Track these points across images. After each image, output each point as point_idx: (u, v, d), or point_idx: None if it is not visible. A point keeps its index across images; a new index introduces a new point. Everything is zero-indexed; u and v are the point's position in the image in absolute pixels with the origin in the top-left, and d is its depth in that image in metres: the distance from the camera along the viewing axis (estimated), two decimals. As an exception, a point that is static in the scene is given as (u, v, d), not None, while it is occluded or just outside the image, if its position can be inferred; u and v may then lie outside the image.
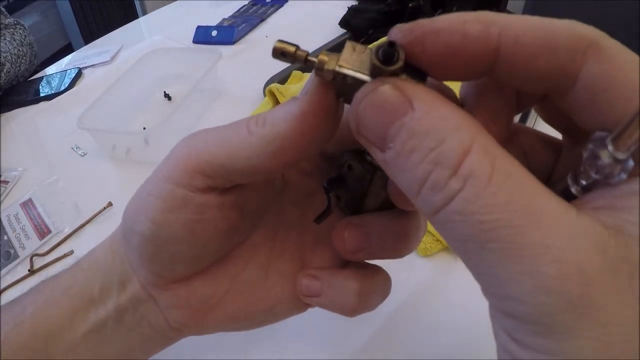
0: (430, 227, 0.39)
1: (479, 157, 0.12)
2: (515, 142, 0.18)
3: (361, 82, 0.14)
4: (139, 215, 0.20)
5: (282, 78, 0.62)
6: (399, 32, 0.14)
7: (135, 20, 0.97)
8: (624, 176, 0.13)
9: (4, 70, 0.69)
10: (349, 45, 0.15)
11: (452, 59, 0.13)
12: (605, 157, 0.12)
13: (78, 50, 0.86)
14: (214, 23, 0.85)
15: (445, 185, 0.12)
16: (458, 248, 0.13)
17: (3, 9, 0.79)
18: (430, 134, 0.12)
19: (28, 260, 0.43)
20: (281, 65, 0.65)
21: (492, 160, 0.12)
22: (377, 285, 0.23)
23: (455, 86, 0.16)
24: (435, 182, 0.12)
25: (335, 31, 0.74)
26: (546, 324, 0.11)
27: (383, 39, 0.14)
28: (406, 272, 0.38)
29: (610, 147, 0.12)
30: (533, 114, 0.44)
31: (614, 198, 0.12)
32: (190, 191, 0.19)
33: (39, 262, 0.43)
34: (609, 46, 0.13)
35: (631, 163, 0.12)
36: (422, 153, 0.12)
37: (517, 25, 0.13)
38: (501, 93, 0.15)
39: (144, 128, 0.57)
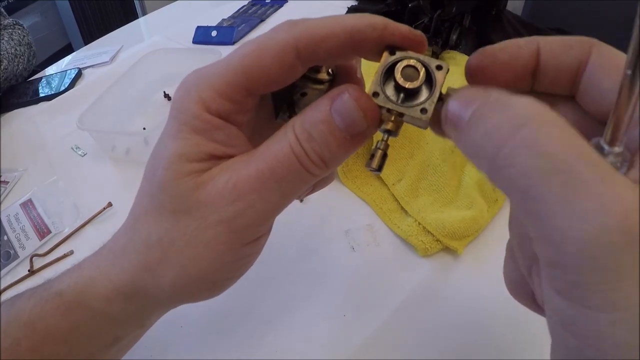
0: (430, 227, 0.39)
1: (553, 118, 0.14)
2: None
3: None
4: None
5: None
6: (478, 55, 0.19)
7: (135, 21, 0.97)
8: (624, 169, 0.14)
9: (1, 67, 0.69)
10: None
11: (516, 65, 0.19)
12: (604, 154, 0.14)
13: (78, 51, 0.86)
14: (213, 23, 0.85)
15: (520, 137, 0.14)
16: (520, 188, 0.13)
17: (2, 9, 0.79)
18: (509, 104, 0.15)
19: (28, 260, 0.43)
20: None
21: (565, 126, 0.14)
22: None
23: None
24: (513, 137, 0.14)
25: (335, 31, 0.74)
26: (611, 269, 0.12)
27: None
28: (406, 272, 0.38)
29: (605, 146, 0.14)
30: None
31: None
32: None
33: (38, 263, 0.43)
34: (605, 46, 0.18)
35: (628, 156, 0.14)
36: (505, 119, 0.14)
37: (545, 39, 0.18)
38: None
39: (144, 128, 0.57)
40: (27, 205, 0.50)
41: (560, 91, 0.19)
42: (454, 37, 0.57)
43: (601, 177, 0.12)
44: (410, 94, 0.18)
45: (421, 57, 0.18)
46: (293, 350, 0.34)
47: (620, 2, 0.95)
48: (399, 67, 0.18)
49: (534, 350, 0.31)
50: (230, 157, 0.20)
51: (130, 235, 0.22)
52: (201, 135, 0.20)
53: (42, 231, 0.46)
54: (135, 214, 0.22)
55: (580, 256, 0.12)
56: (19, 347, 0.22)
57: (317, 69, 0.22)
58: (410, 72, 0.18)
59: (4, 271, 0.43)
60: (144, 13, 1.89)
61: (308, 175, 0.19)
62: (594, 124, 0.17)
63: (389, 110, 0.19)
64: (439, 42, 0.57)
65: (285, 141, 0.19)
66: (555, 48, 0.18)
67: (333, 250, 0.41)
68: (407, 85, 0.18)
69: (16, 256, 0.44)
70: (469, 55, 0.61)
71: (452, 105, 0.16)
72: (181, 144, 0.20)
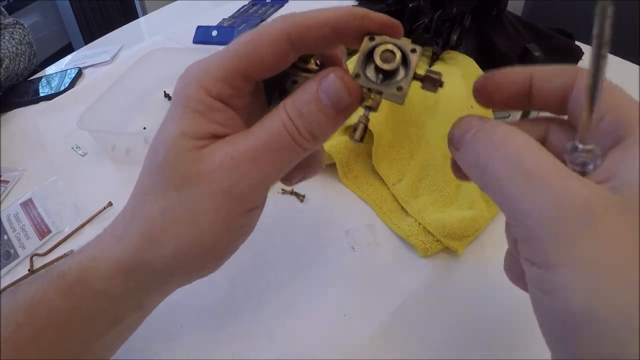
0: (430, 227, 0.39)
1: (523, 138, 0.19)
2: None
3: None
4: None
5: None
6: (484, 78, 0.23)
7: (135, 20, 0.97)
8: (598, 162, 0.18)
9: (3, 66, 0.69)
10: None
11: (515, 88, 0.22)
12: (578, 152, 0.18)
13: (78, 50, 0.86)
14: (214, 23, 0.85)
15: (502, 147, 0.19)
16: (501, 188, 0.18)
17: (3, 9, 0.79)
18: (494, 133, 0.19)
19: (28, 260, 0.43)
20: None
21: (531, 141, 0.18)
22: None
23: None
24: (496, 142, 0.19)
25: (335, 31, 0.74)
26: (557, 234, 0.16)
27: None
28: (406, 272, 0.38)
29: (579, 145, 0.18)
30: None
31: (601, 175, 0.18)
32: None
33: (39, 262, 0.43)
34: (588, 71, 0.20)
35: (598, 152, 0.18)
36: (489, 137, 0.19)
37: (539, 68, 0.22)
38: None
39: (144, 128, 0.57)
40: (27, 204, 0.50)
41: (553, 111, 0.22)
42: (455, 37, 0.57)
43: (555, 175, 0.17)
44: (388, 75, 0.21)
45: (398, 42, 0.21)
46: (293, 350, 0.34)
47: (620, 2, 0.95)
48: (378, 51, 0.21)
49: (535, 350, 0.31)
50: (226, 132, 0.22)
51: (130, 217, 0.24)
52: (202, 117, 0.22)
53: (42, 231, 0.46)
54: (135, 196, 0.24)
55: (539, 230, 0.17)
56: (21, 333, 0.23)
57: (306, 60, 0.24)
58: (388, 56, 0.21)
59: (4, 271, 0.43)
60: (145, 13, 1.89)
61: (299, 148, 0.22)
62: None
63: (369, 90, 0.21)
64: (440, 42, 0.57)
65: (278, 119, 0.21)
66: (546, 75, 0.21)
67: (333, 250, 0.41)
68: (385, 67, 0.21)
69: (16, 256, 0.44)
70: (469, 55, 0.62)
71: (457, 131, 0.21)
72: (184, 124, 0.22)
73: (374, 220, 0.43)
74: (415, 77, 0.21)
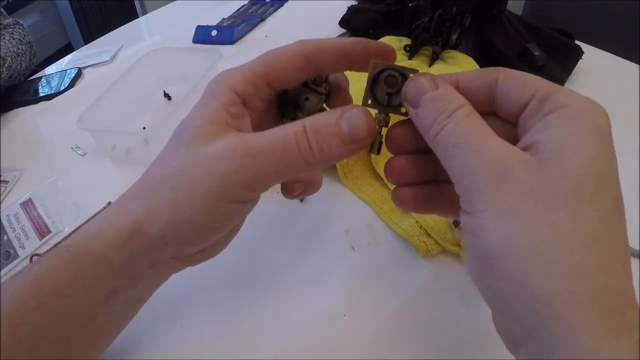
0: (431, 232, 0.39)
1: (463, 110, 0.22)
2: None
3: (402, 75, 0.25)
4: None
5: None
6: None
7: (135, 20, 0.97)
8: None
9: (5, 64, 0.69)
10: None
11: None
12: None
13: (78, 50, 0.86)
14: (213, 23, 0.85)
15: (443, 121, 0.22)
16: (445, 156, 0.22)
17: (2, 9, 0.78)
18: (443, 99, 0.22)
19: (28, 260, 0.43)
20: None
21: (468, 112, 0.22)
22: None
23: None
24: (440, 120, 0.22)
25: (335, 31, 0.74)
26: (479, 186, 0.20)
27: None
28: (407, 272, 0.38)
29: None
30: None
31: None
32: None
33: (38, 262, 0.43)
34: (509, 70, 0.23)
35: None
36: (438, 107, 0.22)
37: (463, 73, 0.25)
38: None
39: (144, 128, 0.57)
40: (27, 204, 0.50)
41: (482, 109, 0.23)
42: (454, 37, 0.57)
43: (481, 140, 0.21)
44: (393, 95, 0.25)
45: (399, 67, 0.24)
46: (293, 350, 0.34)
47: (620, 2, 0.95)
48: (382, 77, 0.25)
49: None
50: (237, 128, 0.25)
51: (140, 181, 0.27)
52: (222, 105, 0.25)
53: (42, 231, 0.46)
54: (152, 164, 0.27)
55: (469, 184, 0.20)
56: (25, 307, 0.24)
57: (318, 83, 0.29)
58: (391, 80, 0.24)
59: (4, 271, 0.43)
60: (144, 12, 1.89)
61: (301, 160, 0.24)
62: (512, 128, 0.23)
63: (379, 111, 0.25)
64: (439, 42, 0.57)
65: (290, 129, 0.24)
66: (469, 77, 0.24)
67: (333, 250, 0.41)
68: (389, 90, 0.25)
69: (16, 256, 0.44)
70: (469, 54, 0.62)
71: (410, 91, 0.23)
72: (206, 109, 0.25)
73: (374, 220, 0.43)
74: None
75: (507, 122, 0.23)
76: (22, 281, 0.25)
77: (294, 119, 0.29)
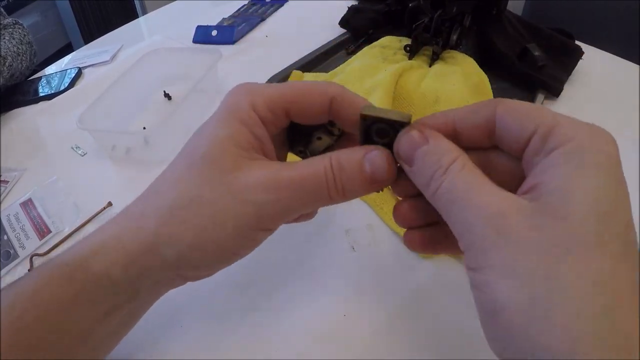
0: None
1: (458, 164, 0.21)
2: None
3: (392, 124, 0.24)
4: None
5: (282, 78, 0.62)
6: None
7: (135, 20, 0.97)
8: None
9: (6, 64, 0.69)
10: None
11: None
12: None
13: (78, 50, 0.86)
14: (213, 23, 0.85)
15: (440, 178, 0.21)
16: (445, 212, 0.22)
17: (2, 9, 0.78)
18: (436, 153, 0.22)
19: (28, 260, 0.43)
20: (281, 65, 0.65)
21: (462, 165, 0.21)
22: None
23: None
24: (437, 177, 0.22)
25: (335, 31, 0.74)
26: (477, 242, 0.20)
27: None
28: (406, 272, 0.38)
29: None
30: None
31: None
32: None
33: (38, 262, 0.43)
34: (508, 100, 0.22)
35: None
36: (432, 163, 0.22)
37: (458, 110, 0.24)
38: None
39: (144, 128, 0.57)
40: (27, 204, 0.50)
41: (483, 144, 0.23)
42: (455, 37, 0.57)
43: (478, 194, 0.20)
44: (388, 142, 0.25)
45: (387, 119, 0.24)
46: (293, 350, 0.34)
47: (620, 2, 0.95)
48: (373, 129, 0.24)
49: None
50: (261, 152, 0.25)
51: (153, 200, 0.26)
52: (245, 127, 0.25)
53: (42, 231, 0.46)
54: (164, 180, 0.26)
55: (468, 240, 0.20)
56: (24, 318, 0.23)
57: (332, 124, 0.28)
58: (382, 132, 0.24)
59: (4, 271, 0.43)
60: (144, 12, 1.89)
61: (327, 196, 0.24)
62: (516, 162, 0.22)
63: None
64: (440, 42, 0.57)
65: (322, 165, 0.24)
66: (465, 114, 0.23)
67: (333, 250, 0.41)
68: (383, 141, 0.25)
69: (16, 256, 0.44)
70: (469, 55, 0.62)
71: (402, 148, 0.23)
72: (231, 129, 0.25)
73: (374, 220, 0.43)
74: None
75: (511, 155, 0.23)
76: (23, 291, 0.24)
77: (301, 151, 0.30)
